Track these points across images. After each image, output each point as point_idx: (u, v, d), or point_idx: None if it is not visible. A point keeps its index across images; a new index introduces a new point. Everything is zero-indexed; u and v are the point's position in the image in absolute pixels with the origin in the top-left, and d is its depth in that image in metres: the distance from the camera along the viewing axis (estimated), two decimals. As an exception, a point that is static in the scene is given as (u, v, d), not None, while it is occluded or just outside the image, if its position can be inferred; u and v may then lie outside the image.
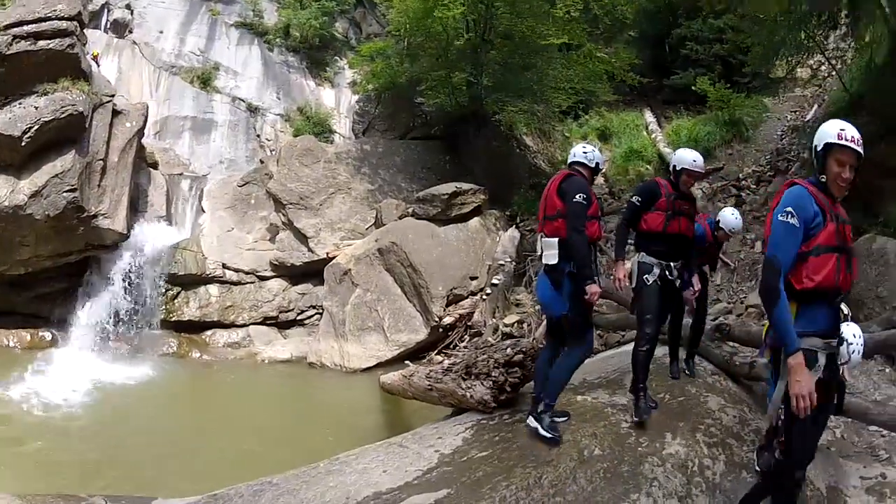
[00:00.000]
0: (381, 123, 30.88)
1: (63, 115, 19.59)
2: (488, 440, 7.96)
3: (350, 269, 21.34)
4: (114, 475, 12.08)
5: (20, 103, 19.61)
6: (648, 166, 26.52)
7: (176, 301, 22.20)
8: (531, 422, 7.90)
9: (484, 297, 20.12)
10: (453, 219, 21.99)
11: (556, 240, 7.91)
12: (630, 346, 9.29)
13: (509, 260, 21.29)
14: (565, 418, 8.12)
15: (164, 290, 22.07)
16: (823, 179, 5.55)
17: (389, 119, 30.82)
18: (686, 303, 9.94)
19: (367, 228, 23.84)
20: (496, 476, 6.82)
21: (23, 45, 19.53)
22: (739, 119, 27.35)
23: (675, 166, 9.11)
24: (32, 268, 20.77)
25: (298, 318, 22.96)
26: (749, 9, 24.44)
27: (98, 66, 25.29)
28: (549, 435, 7.69)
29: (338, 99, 32.14)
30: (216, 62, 30.64)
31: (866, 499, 7.78)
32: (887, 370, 11.60)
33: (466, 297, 20.37)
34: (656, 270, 8.67)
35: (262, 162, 27.36)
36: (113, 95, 22.46)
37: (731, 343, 11.50)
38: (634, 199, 9.00)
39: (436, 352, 19.39)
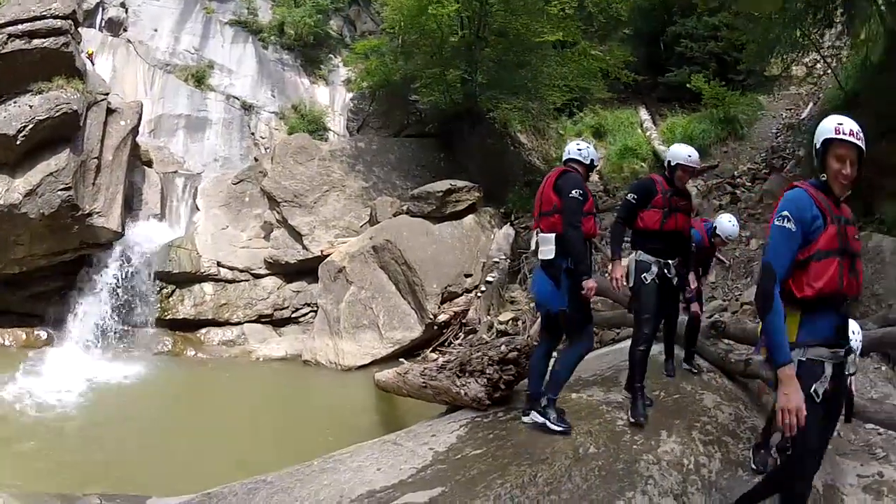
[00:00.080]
0: (375, 121, 30.85)
1: (57, 114, 19.63)
2: (483, 438, 7.93)
3: (345, 267, 21.35)
4: (108, 474, 12.06)
5: (15, 102, 19.68)
6: (643, 164, 26.59)
7: (170, 299, 22.15)
8: (536, 417, 7.88)
9: (478, 294, 20.10)
10: (448, 216, 22.01)
11: (553, 235, 7.88)
12: (625, 344, 9.27)
13: (504, 257, 21.29)
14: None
15: (158, 289, 22.03)
16: (824, 178, 5.35)
17: (384, 116, 30.79)
18: (689, 299, 9.98)
19: (361, 226, 23.80)
20: (491, 474, 6.78)
21: (17, 44, 19.62)
22: (734, 117, 27.42)
23: (669, 162, 9.08)
24: (27, 267, 20.78)
25: (293, 315, 22.93)
26: (743, 7, 24.46)
27: (93, 64, 25.31)
28: (559, 427, 7.72)
29: (332, 97, 32.12)
30: (210, 60, 30.63)
31: (863, 497, 7.76)
32: (883, 368, 11.58)
33: (461, 295, 20.37)
34: (654, 269, 8.65)
35: (256, 160, 27.31)
36: (107, 94, 22.48)
37: (726, 340, 11.45)
38: (630, 196, 8.91)
39: (430, 349, 19.44)
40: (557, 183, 8.02)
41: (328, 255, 22.30)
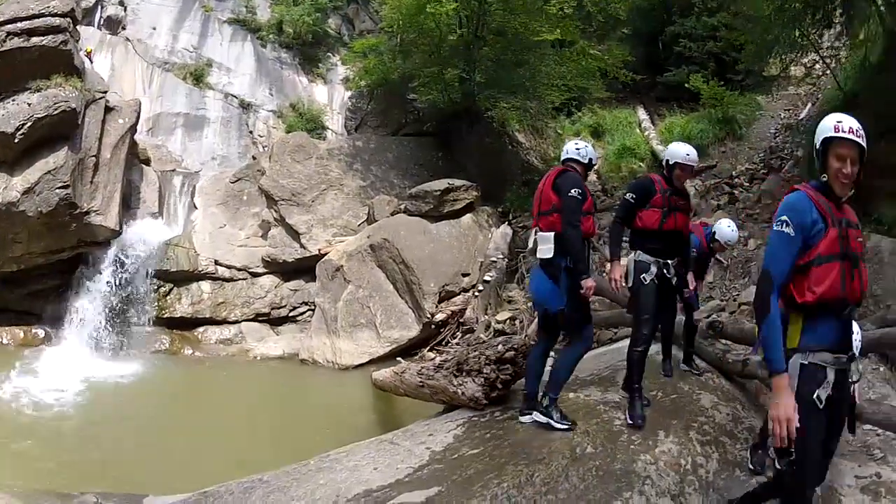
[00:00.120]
0: (373, 120, 30.86)
1: (56, 112, 19.62)
2: (479, 437, 7.95)
3: (342, 266, 21.32)
4: (105, 472, 12.08)
5: (13, 100, 19.67)
6: (641, 163, 26.60)
7: (168, 298, 22.15)
8: (539, 418, 7.92)
9: (476, 293, 20.10)
10: (445, 215, 21.96)
11: (552, 234, 7.88)
12: (622, 343, 9.25)
13: (501, 256, 21.27)
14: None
15: (156, 287, 22.02)
16: (825, 179, 5.18)
17: (382, 115, 30.80)
18: (689, 300, 10.00)
19: (359, 225, 23.81)
20: (487, 474, 6.78)
21: (16, 42, 19.61)
22: (733, 117, 27.45)
23: (667, 161, 9.02)
24: (25, 265, 20.76)
25: (290, 314, 22.96)
26: (743, 6, 24.52)
27: (91, 62, 25.26)
28: (564, 426, 7.76)
29: (330, 95, 32.11)
30: (209, 59, 30.63)
31: (861, 498, 7.74)
32: (881, 369, 11.55)
33: (458, 294, 20.35)
34: (653, 269, 8.60)
35: (254, 158, 27.28)
36: (105, 92, 22.46)
37: (723, 340, 11.43)
38: (628, 196, 8.84)
39: (428, 348, 19.41)
40: (556, 182, 8.02)
41: (326, 254, 22.27)
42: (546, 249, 7.91)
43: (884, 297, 13.16)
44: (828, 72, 24.74)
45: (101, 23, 29.78)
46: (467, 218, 22.37)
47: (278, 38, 32.19)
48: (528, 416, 8.10)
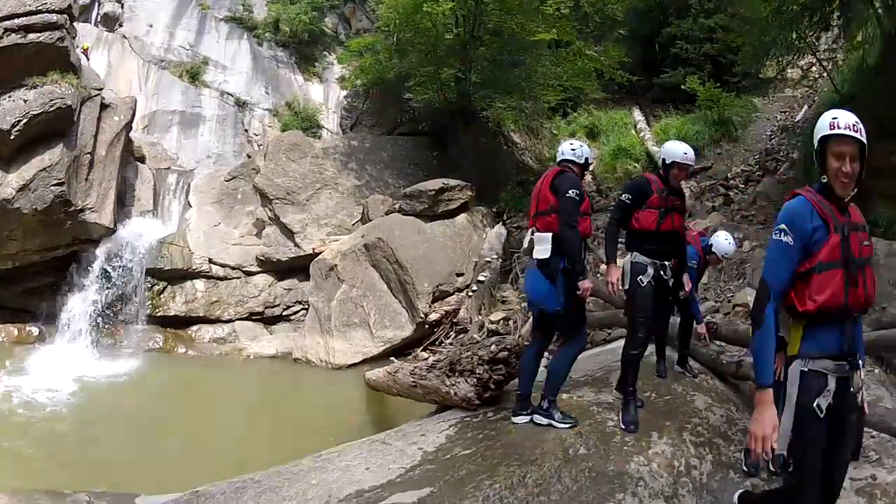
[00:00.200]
0: (368, 119, 30.87)
1: (52, 109, 19.62)
2: (472, 438, 7.92)
3: (336, 265, 21.30)
4: (97, 472, 12.07)
5: (9, 96, 19.63)
6: (636, 164, 26.63)
7: (162, 296, 22.10)
8: (539, 420, 7.92)
9: (470, 293, 20.09)
10: (440, 215, 21.97)
11: (549, 235, 7.88)
12: (616, 344, 9.22)
13: (496, 257, 21.27)
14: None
15: (150, 285, 21.96)
16: (825, 181, 5.00)
17: (377, 114, 30.80)
18: (692, 306, 10.03)
19: (353, 224, 23.78)
20: (480, 474, 6.76)
21: (13, 38, 19.60)
22: (728, 118, 27.52)
23: (664, 160, 8.87)
24: (20, 262, 20.75)
25: (284, 313, 22.92)
26: (740, 8, 24.55)
27: (88, 59, 25.36)
28: (566, 424, 7.79)
29: (326, 94, 32.19)
30: (205, 56, 30.72)
31: (856, 500, 7.71)
32: (876, 371, 11.54)
33: (452, 294, 20.33)
34: (650, 271, 8.49)
35: (249, 157, 27.17)
36: (101, 89, 22.49)
37: (717, 342, 11.41)
38: (624, 197, 8.70)
39: (421, 348, 19.37)
40: (554, 182, 8.01)
41: (320, 253, 22.27)
42: (543, 250, 7.91)
43: (879, 300, 13.12)
44: (824, 74, 24.77)
45: (98, 20, 29.93)
46: (462, 218, 22.37)
47: (275, 36, 32.27)
48: (521, 417, 8.09)
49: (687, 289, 9.45)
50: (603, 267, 18.05)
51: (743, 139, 27.71)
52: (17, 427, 14.27)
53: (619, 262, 8.63)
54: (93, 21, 29.73)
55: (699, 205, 22.28)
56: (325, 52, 33.32)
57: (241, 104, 30.20)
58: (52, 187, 19.51)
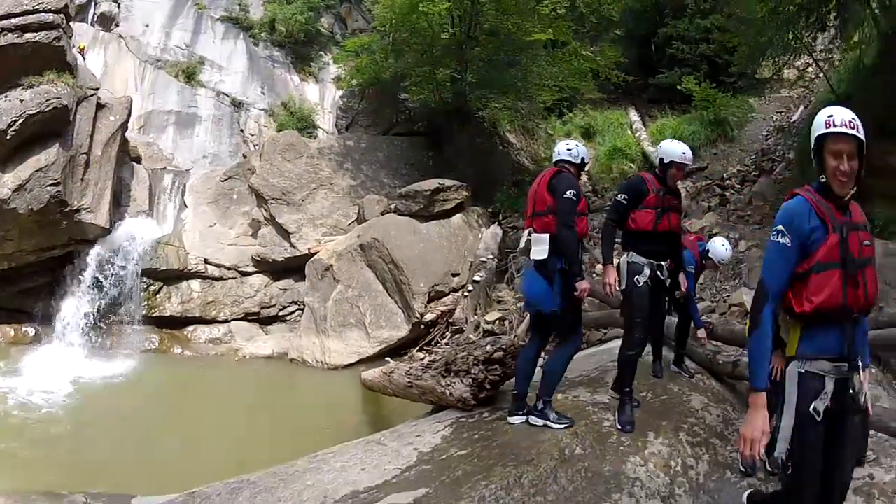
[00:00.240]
0: (364, 119, 30.85)
1: (48, 109, 19.64)
2: (468, 438, 7.92)
3: (332, 265, 21.32)
4: (94, 473, 12.07)
5: (6, 96, 19.66)
6: (632, 164, 26.63)
7: (158, 296, 22.12)
8: (535, 421, 7.92)
9: (466, 293, 20.08)
10: (436, 215, 21.96)
11: (547, 236, 7.88)
12: (612, 344, 9.21)
13: (491, 257, 21.25)
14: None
15: (145, 286, 21.98)
16: (823, 180, 4.93)
17: (373, 115, 30.79)
18: (690, 308, 10.04)
19: (349, 224, 23.79)
20: (476, 475, 6.75)
21: (10, 38, 19.62)
22: (724, 119, 27.48)
23: (662, 160, 8.84)
24: (16, 262, 20.77)
25: (280, 314, 22.93)
26: (736, 8, 24.57)
27: (84, 59, 25.36)
28: (562, 424, 7.80)
29: (322, 94, 32.17)
30: (201, 56, 30.67)
31: (854, 499, 7.68)
32: (874, 370, 11.54)
33: (448, 294, 20.33)
34: (647, 271, 8.45)
35: (244, 157, 27.19)
36: (97, 89, 22.49)
37: (714, 342, 11.40)
38: (621, 197, 8.71)
39: (417, 348, 19.42)
40: (551, 183, 8.01)
41: (315, 253, 22.28)
42: (541, 251, 7.90)
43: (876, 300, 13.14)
44: (821, 75, 24.76)
45: (95, 19, 29.93)
46: (457, 218, 22.37)
47: (270, 36, 32.20)
48: (517, 417, 8.09)
49: (683, 289, 9.42)
50: (599, 267, 18.06)
51: (739, 139, 27.71)
52: (13, 428, 14.26)
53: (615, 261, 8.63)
54: (89, 21, 29.71)
55: (695, 205, 22.29)
56: (321, 52, 33.31)
57: (236, 104, 30.19)
58: (48, 187, 19.50)
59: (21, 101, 19.42)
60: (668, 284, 8.86)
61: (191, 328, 22.13)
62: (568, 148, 8.43)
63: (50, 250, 21.15)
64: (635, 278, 8.40)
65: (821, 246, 4.81)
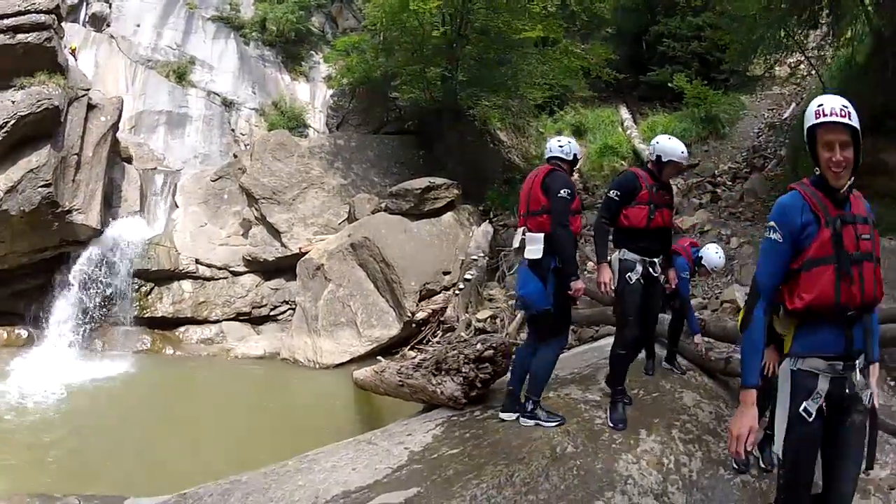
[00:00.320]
0: (354, 118, 30.83)
1: (39, 110, 19.61)
2: (459, 437, 7.89)
3: (323, 265, 21.32)
4: (87, 474, 12.07)
5: (-3, 97, 19.53)
6: (623, 162, 26.71)
7: (149, 297, 22.09)
8: (525, 422, 7.86)
9: (457, 292, 20.08)
10: (426, 213, 21.99)
11: (542, 235, 7.85)
12: (604, 342, 9.17)
13: (482, 255, 21.28)
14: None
15: (137, 286, 21.95)
16: (818, 172, 4.80)
17: (363, 113, 30.76)
18: (682, 308, 10.04)
19: (339, 223, 23.79)
20: (467, 474, 6.73)
21: (2, 39, 19.62)
22: (716, 116, 27.63)
23: (659, 157, 8.63)
24: (8, 264, 20.72)
25: (271, 313, 22.94)
26: (728, 6, 24.59)
27: (75, 59, 25.30)
28: (553, 422, 7.77)
29: (312, 93, 32.20)
30: (192, 56, 30.68)
31: (850, 496, 7.72)
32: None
33: (439, 293, 20.34)
34: (639, 268, 8.35)
35: (235, 156, 27.14)
36: (88, 89, 22.46)
37: (706, 339, 11.36)
38: (613, 194, 8.50)
39: (409, 347, 19.39)
40: (545, 182, 7.97)
41: (306, 253, 22.32)
42: (535, 250, 7.87)
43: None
44: (813, 72, 24.77)
45: (86, 20, 29.91)
46: (448, 216, 22.38)
47: (261, 35, 32.23)
48: (509, 414, 8.07)
49: (672, 284, 9.34)
50: (590, 265, 18.06)
51: (730, 136, 27.80)
52: (6, 431, 14.19)
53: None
54: (81, 21, 29.71)
55: (686, 202, 22.33)
56: (312, 52, 33.34)
57: (227, 104, 30.19)
58: (40, 189, 19.46)
59: (12, 102, 19.37)
60: (662, 281, 8.78)
61: (182, 329, 22.12)
62: (560, 144, 8.40)
63: (42, 252, 21.10)
64: (627, 276, 8.30)
65: (813, 241, 4.70)
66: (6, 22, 19.55)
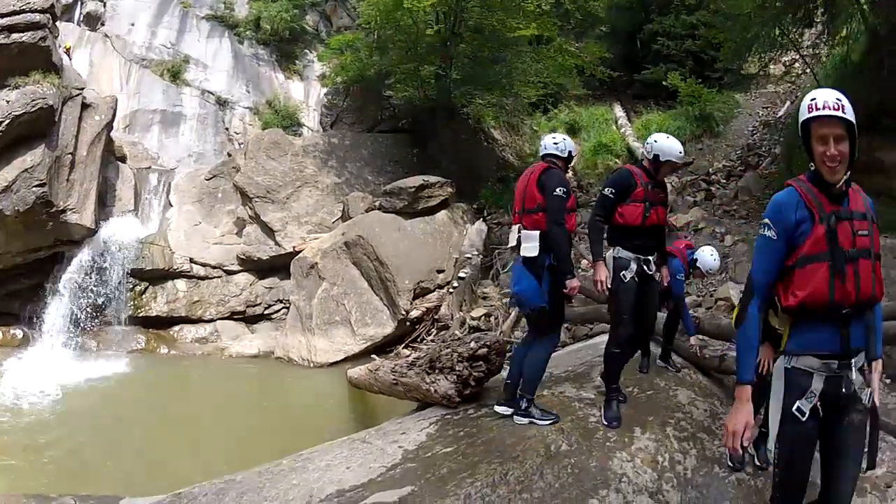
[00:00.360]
0: (349, 116, 30.80)
1: (34, 109, 19.58)
2: (453, 435, 7.90)
3: (317, 263, 21.31)
4: (82, 475, 12.11)
5: (-8, 97, 19.51)
6: (617, 160, 26.65)
7: (143, 296, 22.11)
8: (520, 420, 7.86)
9: (451, 290, 20.09)
10: (420, 212, 22.00)
11: (537, 233, 7.84)
12: (598, 339, 9.17)
13: (476, 253, 21.29)
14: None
15: (131, 286, 21.96)
16: (813, 168, 4.73)
17: (357, 112, 30.74)
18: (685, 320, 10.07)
19: (333, 222, 23.82)
20: (461, 473, 6.73)
21: (-2, 39, 19.50)
22: (710, 114, 27.62)
23: (657, 156, 8.58)
24: (2, 265, 20.69)
25: (265, 312, 22.96)
26: (723, 4, 24.60)
27: (70, 59, 25.27)
28: (548, 420, 7.78)
29: (307, 92, 32.22)
30: (186, 55, 30.68)
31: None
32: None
33: (433, 291, 20.35)
34: (633, 266, 8.32)
35: (229, 155, 27.15)
36: (82, 88, 22.41)
37: (700, 336, 11.34)
38: (608, 191, 8.47)
39: (403, 345, 19.37)
40: (541, 179, 7.97)
41: (300, 251, 22.30)
42: (531, 248, 7.87)
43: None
44: (807, 70, 24.77)
45: (81, 19, 29.91)
46: (442, 214, 22.39)
47: (255, 34, 32.22)
48: (504, 408, 8.11)
49: (665, 282, 9.31)
50: (584, 262, 18.07)
51: (724, 135, 27.81)
52: (1, 433, 14.21)
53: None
54: (76, 20, 29.71)
55: (680, 200, 22.35)
56: (306, 50, 33.35)
57: (221, 102, 30.20)
58: (34, 188, 19.43)
59: (7, 101, 19.34)
60: (657, 278, 8.75)
61: (177, 328, 22.13)
62: (555, 142, 8.38)
63: (36, 252, 21.09)
64: (622, 274, 8.27)
65: (807, 238, 4.64)
66: (1, 22, 19.52)
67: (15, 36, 19.67)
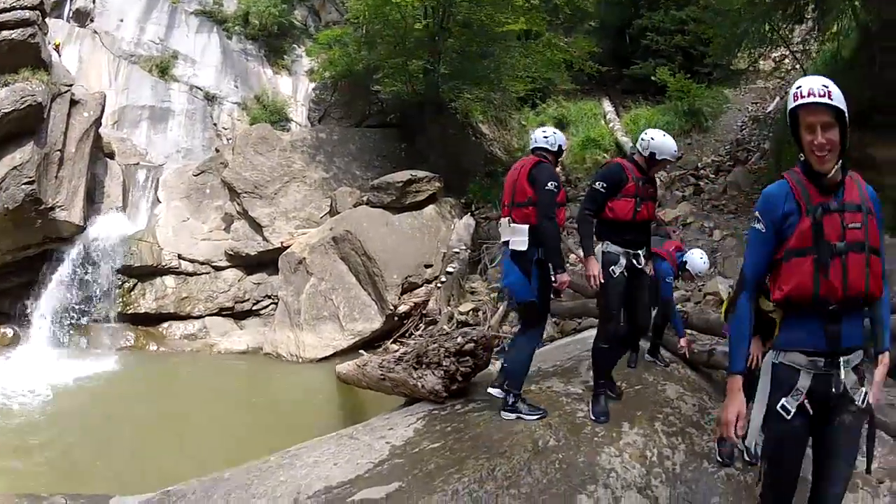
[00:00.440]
0: (337, 111, 30.80)
1: (23, 106, 19.54)
2: (440, 431, 7.89)
3: (305, 258, 21.34)
4: (72, 473, 12.09)
5: (-20, 95, 19.46)
6: (605, 155, 26.63)
7: (132, 293, 22.07)
8: (507, 416, 7.85)
9: (439, 285, 20.13)
10: (408, 207, 22.02)
11: (527, 227, 7.86)
12: (586, 334, 9.15)
13: (464, 248, 21.30)
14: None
15: (120, 283, 21.94)
16: (802, 158, 4.60)
17: (345, 107, 30.74)
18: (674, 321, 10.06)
19: (321, 217, 23.84)
20: (448, 468, 6.74)
21: (-13, 36, 19.46)
22: (699, 109, 27.65)
23: (653, 153, 8.46)
24: (-7, 263, 20.56)
25: (254, 308, 22.99)
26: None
27: (60, 55, 25.26)
28: (535, 416, 7.78)
29: (295, 87, 32.21)
30: (175, 50, 30.56)
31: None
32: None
33: (421, 286, 20.40)
34: (622, 261, 8.25)
35: (217, 151, 27.13)
36: (71, 85, 22.38)
37: (689, 331, 11.33)
38: (598, 185, 8.35)
39: (391, 340, 19.41)
40: (532, 173, 7.96)
41: (288, 247, 22.33)
42: (521, 241, 7.88)
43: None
44: (797, 66, 24.78)
45: (70, 15, 29.78)
46: (430, 209, 22.43)
47: (244, 29, 32.14)
48: (497, 391, 8.08)
49: (650, 275, 9.29)
50: (572, 257, 18.06)
51: (714, 130, 27.87)
52: (-9, 430, 14.17)
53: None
54: (65, 17, 29.63)
55: (669, 194, 22.39)
56: (295, 45, 33.32)
57: (210, 98, 30.15)
58: (23, 186, 19.40)
59: (-3, 99, 19.30)
60: (647, 272, 8.71)
61: (166, 324, 22.14)
62: (545, 136, 8.40)
63: (25, 249, 21.05)
64: (611, 269, 8.19)
65: (794, 231, 4.56)
66: (-7, 20, 19.50)
67: (4, 33, 19.64)
